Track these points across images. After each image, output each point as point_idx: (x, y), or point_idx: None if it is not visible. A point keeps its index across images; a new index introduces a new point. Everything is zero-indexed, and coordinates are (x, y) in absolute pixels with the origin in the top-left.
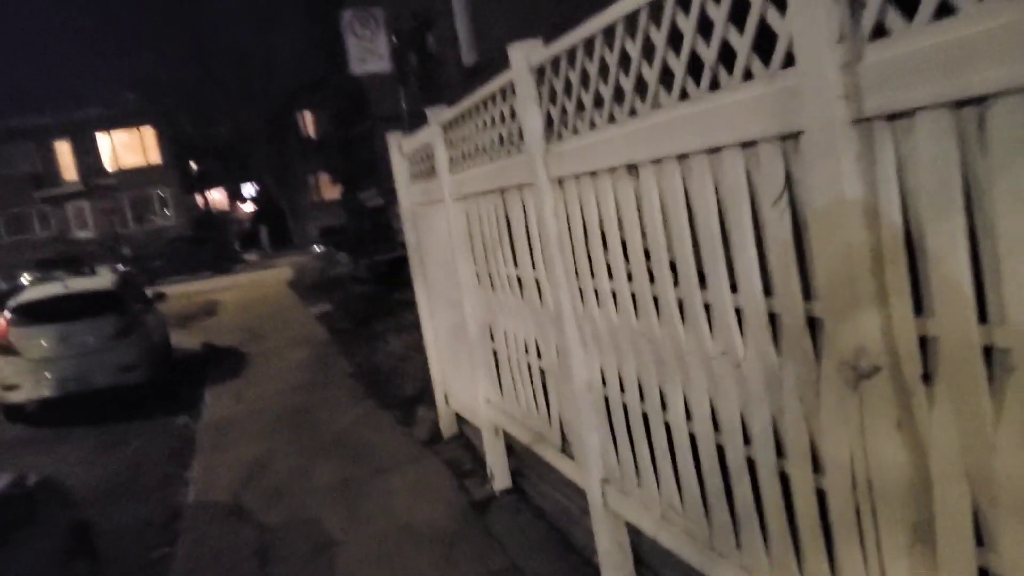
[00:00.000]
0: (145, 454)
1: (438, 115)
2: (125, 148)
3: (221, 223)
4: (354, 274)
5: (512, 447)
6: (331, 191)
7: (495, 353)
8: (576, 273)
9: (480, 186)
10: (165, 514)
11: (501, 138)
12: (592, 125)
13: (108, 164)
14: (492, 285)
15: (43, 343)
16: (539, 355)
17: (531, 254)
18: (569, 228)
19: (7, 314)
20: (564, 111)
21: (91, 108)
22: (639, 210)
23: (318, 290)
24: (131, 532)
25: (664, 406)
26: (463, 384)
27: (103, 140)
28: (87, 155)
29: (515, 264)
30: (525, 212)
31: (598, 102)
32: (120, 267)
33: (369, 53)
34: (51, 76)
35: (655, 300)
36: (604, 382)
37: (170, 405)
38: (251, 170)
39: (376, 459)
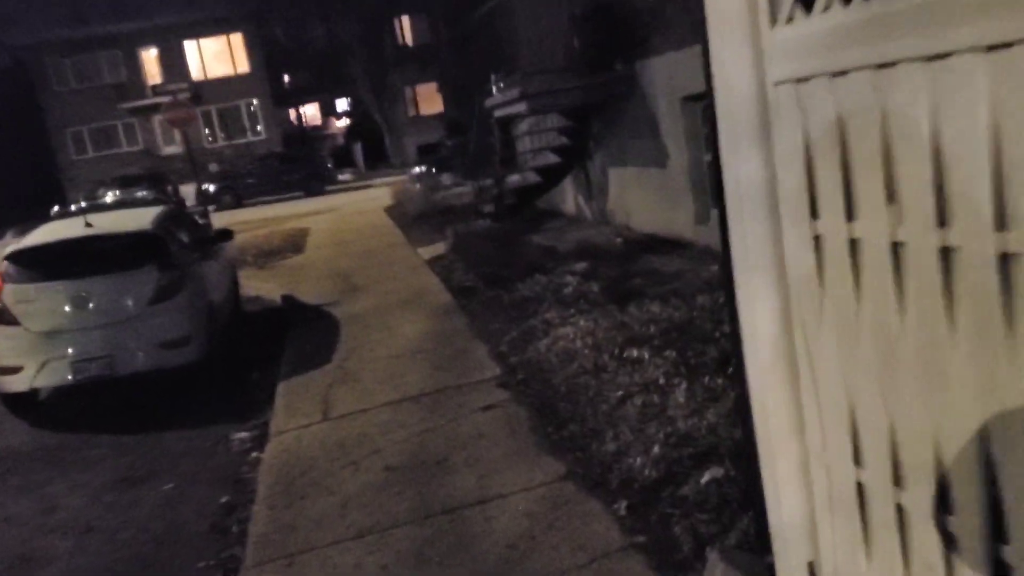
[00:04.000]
0: (173, 518)
1: None
2: (214, 57)
3: (314, 139)
4: (476, 204)
5: None
6: (429, 105)
7: None
8: None
9: None
10: None
11: None
12: None
13: (195, 73)
14: None
15: (51, 308)
16: None
17: None
18: None
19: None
20: None
21: (177, 13)
22: None
23: (425, 222)
24: None
25: None
26: None
27: (191, 47)
28: (173, 65)
29: None
30: None
31: None
32: (206, 186)
33: None
34: None
35: None
36: None
37: (229, 401)
38: (345, 83)
39: None
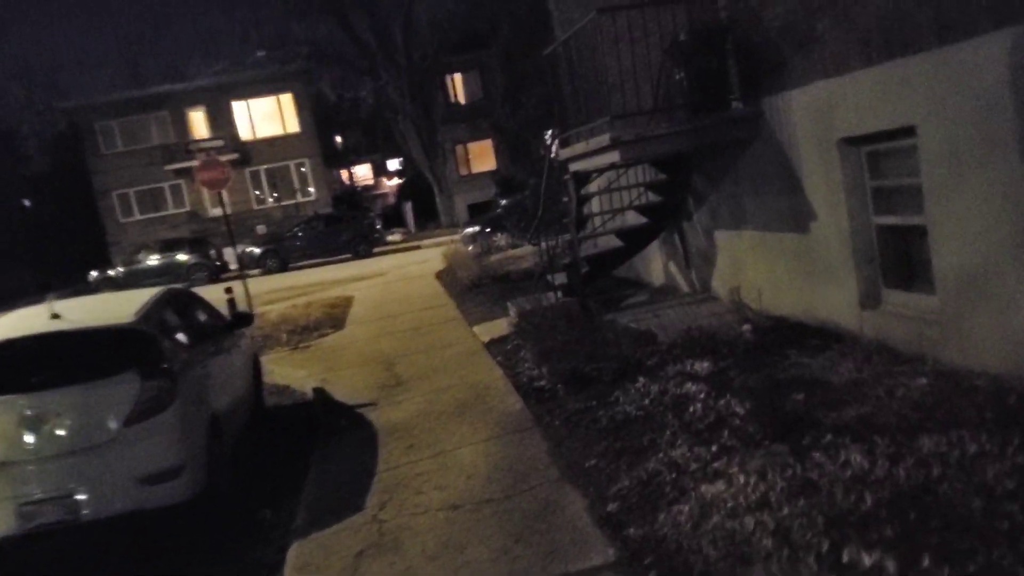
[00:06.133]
0: None
1: None
2: (263, 117)
3: (364, 199)
4: (541, 271)
5: None
6: (481, 163)
7: None
8: None
9: None
10: None
11: None
12: None
13: (244, 134)
14: None
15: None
16: None
17: None
18: None
19: None
20: None
21: (227, 73)
22: None
23: (481, 291)
24: None
25: None
26: None
27: (239, 108)
28: (222, 125)
29: None
30: None
31: None
32: (250, 249)
33: None
34: (181, 40)
35: None
36: None
37: (227, 559)
38: (396, 142)
39: None
